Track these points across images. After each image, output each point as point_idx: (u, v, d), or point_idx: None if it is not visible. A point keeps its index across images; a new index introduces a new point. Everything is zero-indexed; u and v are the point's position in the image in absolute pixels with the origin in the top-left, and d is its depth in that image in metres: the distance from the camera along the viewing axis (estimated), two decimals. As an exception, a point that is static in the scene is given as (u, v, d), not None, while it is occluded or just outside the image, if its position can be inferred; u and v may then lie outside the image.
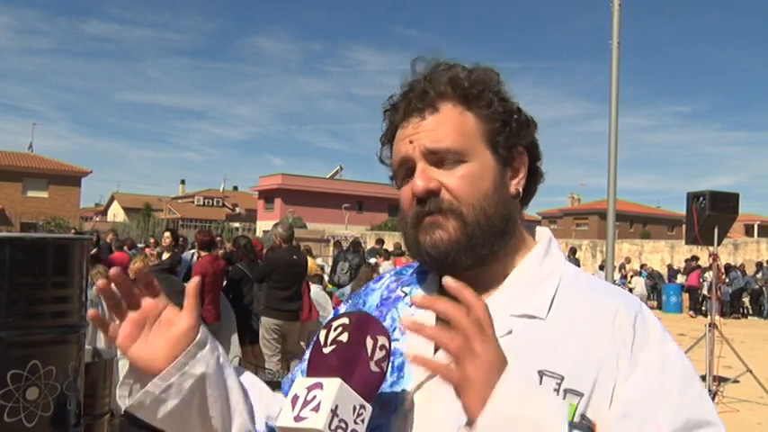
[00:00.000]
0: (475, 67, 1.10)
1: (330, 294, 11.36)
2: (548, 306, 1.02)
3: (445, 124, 1.03)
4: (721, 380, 7.90)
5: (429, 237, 1.03)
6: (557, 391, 0.94)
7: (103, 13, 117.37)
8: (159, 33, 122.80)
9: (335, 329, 0.95)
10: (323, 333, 0.96)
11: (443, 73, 1.07)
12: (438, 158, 1.03)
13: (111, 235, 14.20)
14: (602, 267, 22.38)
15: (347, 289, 10.07)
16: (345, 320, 0.96)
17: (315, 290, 8.44)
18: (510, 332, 1.00)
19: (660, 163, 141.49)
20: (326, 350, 0.94)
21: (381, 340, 0.94)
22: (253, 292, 7.86)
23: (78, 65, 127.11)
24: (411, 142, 1.04)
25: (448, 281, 0.86)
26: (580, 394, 0.94)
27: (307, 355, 1.25)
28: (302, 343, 7.82)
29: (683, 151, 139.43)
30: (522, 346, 0.97)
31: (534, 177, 1.13)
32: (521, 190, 1.10)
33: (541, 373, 0.95)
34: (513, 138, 1.07)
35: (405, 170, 1.07)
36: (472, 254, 1.03)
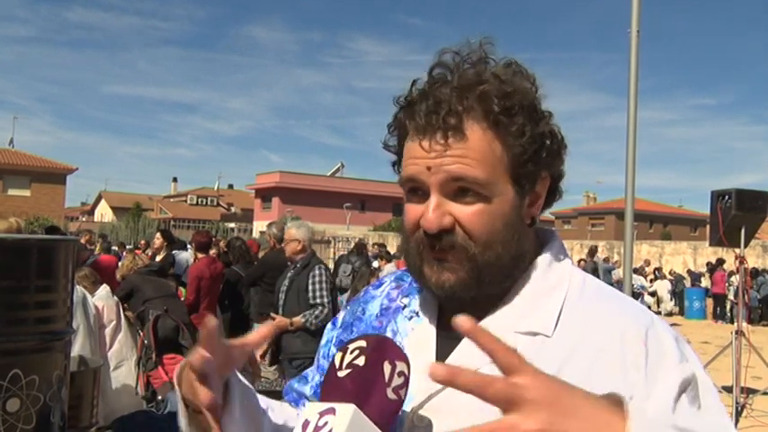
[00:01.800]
0: (506, 68, 1.04)
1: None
2: (554, 322, 1.01)
3: (471, 154, 0.98)
4: (750, 392, 7.85)
5: (435, 276, 1.01)
6: None
7: (87, 0, 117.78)
8: (147, 21, 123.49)
9: (352, 352, 0.95)
10: (338, 356, 0.96)
11: (473, 81, 1.00)
12: (455, 188, 0.99)
13: (87, 236, 14.09)
14: (635, 271, 22.23)
15: (344, 298, 10.06)
16: (363, 343, 0.96)
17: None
18: None
19: (682, 159, 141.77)
20: (341, 374, 0.94)
21: (400, 366, 0.94)
22: (249, 296, 7.86)
23: (61, 55, 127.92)
24: (429, 169, 0.99)
25: (460, 322, 0.75)
26: None
27: (315, 367, 1.25)
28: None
29: (707, 147, 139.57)
30: None
31: (552, 197, 1.11)
32: (537, 216, 1.08)
33: None
34: (540, 168, 1.03)
35: (414, 187, 1.03)
36: (478, 291, 1.02)
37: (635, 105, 5.77)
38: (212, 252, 8.40)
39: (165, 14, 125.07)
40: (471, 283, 1.00)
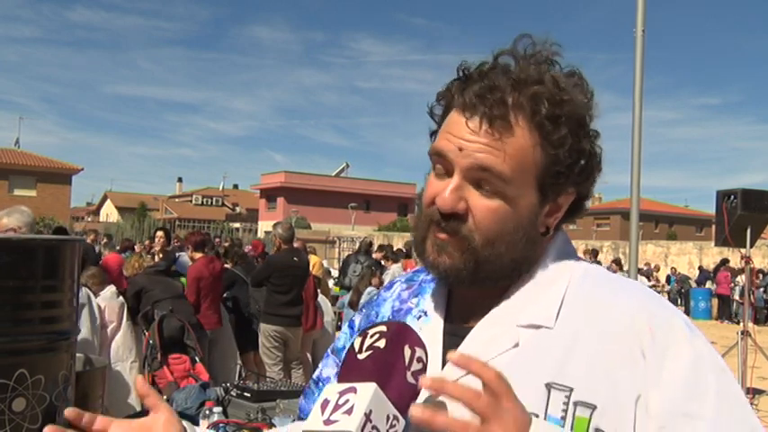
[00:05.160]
0: (568, 77, 1.02)
1: (335, 299, 11.35)
2: (555, 313, 1.00)
3: (506, 148, 0.96)
4: (756, 392, 7.84)
5: (433, 255, 1.02)
6: (566, 404, 0.93)
7: (90, 0, 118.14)
8: (149, 21, 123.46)
9: (372, 336, 0.95)
10: (358, 340, 0.97)
11: (531, 79, 0.99)
12: (479, 178, 0.98)
13: (92, 235, 14.11)
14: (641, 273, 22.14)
15: (347, 299, 10.08)
16: (383, 328, 0.96)
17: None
18: (516, 345, 0.99)
19: (686, 159, 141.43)
20: (361, 356, 0.94)
21: (419, 352, 0.95)
22: (248, 296, 7.91)
23: (64, 55, 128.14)
24: (461, 149, 0.98)
25: (451, 357, 0.86)
26: (592, 406, 0.92)
27: (322, 368, 1.25)
28: (308, 354, 7.82)
29: (712, 146, 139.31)
30: (529, 360, 0.96)
31: (574, 212, 1.09)
32: (552, 229, 1.06)
33: (549, 386, 0.94)
34: (569, 183, 1.03)
35: (440, 162, 1.02)
36: (471, 281, 1.02)
37: (640, 105, 5.75)
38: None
39: (168, 15, 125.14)
40: (465, 274, 1.00)
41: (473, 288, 1.04)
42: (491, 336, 1.01)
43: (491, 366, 0.85)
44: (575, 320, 0.99)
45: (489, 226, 0.98)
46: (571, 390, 0.93)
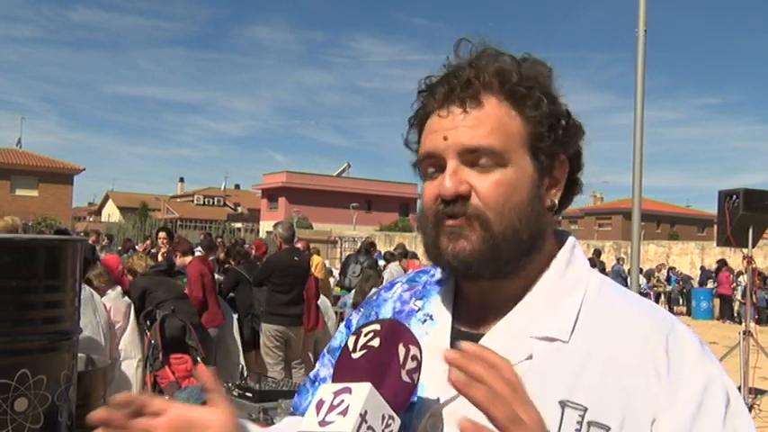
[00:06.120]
0: (525, 58, 1.06)
1: (336, 299, 11.34)
2: (571, 327, 0.99)
3: (487, 122, 0.99)
4: (757, 392, 7.83)
5: (451, 245, 1.00)
6: (579, 423, 0.92)
7: (90, 0, 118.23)
8: (150, 21, 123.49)
9: (366, 335, 0.94)
10: (352, 339, 0.96)
11: (491, 61, 1.03)
12: (473, 158, 0.99)
13: (93, 236, 14.12)
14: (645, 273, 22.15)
15: (349, 299, 10.07)
16: (377, 326, 0.95)
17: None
18: (530, 357, 0.97)
19: (687, 159, 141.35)
20: (356, 355, 0.93)
21: (413, 350, 0.93)
22: (251, 296, 7.92)
23: (64, 55, 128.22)
24: (446, 139, 1.00)
25: (465, 346, 0.85)
26: (606, 428, 0.91)
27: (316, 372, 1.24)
28: (310, 354, 7.82)
29: (712, 146, 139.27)
30: (543, 374, 0.95)
31: (572, 188, 1.10)
32: (556, 202, 1.06)
33: (563, 404, 0.93)
34: (557, 145, 1.03)
35: (431, 164, 1.03)
36: (495, 266, 1.00)
37: (642, 105, 5.74)
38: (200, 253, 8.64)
39: (168, 15, 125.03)
40: (487, 255, 0.98)
41: (497, 277, 1.01)
42: (503, 345, 0.98)
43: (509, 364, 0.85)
44: (590, 335, 0.98)
45: (496, 199, 0.98)
46: (585, 409, 0.92)
